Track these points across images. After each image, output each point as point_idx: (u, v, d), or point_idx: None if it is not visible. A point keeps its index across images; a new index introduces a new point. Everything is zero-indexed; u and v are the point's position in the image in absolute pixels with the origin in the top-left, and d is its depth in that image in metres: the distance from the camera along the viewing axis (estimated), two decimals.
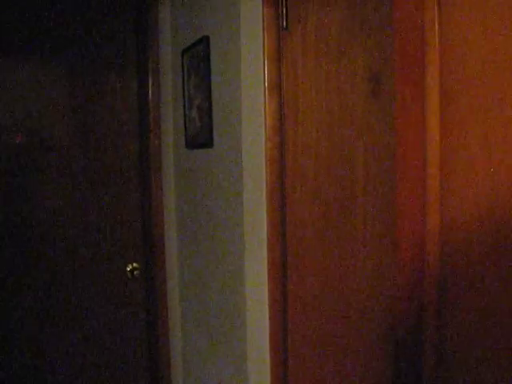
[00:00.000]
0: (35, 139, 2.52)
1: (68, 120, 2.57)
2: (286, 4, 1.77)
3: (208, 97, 2.12)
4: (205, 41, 2.12)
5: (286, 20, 1.78)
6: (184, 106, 2.41)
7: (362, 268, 1.50)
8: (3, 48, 2.48)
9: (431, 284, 0.84)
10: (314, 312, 1.71)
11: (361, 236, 1.50)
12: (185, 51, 2.37)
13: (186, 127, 2.41)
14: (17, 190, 2.49)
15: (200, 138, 2.24)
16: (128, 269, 2.65)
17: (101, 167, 2.61)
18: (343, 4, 1.55)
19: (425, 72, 0.68)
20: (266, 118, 1.84)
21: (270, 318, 1.86)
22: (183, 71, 2.40)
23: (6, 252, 2.49)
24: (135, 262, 2.67)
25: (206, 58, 2.12)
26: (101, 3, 2.61)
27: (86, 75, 2.59)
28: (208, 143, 2.14)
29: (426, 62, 0.66)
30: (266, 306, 1.87)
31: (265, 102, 1.83)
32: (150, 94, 2.62)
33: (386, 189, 1.37)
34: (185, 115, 2.41)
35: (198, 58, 2.20)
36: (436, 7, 0.66)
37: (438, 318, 0.84)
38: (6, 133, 2.48)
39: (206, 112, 2.14)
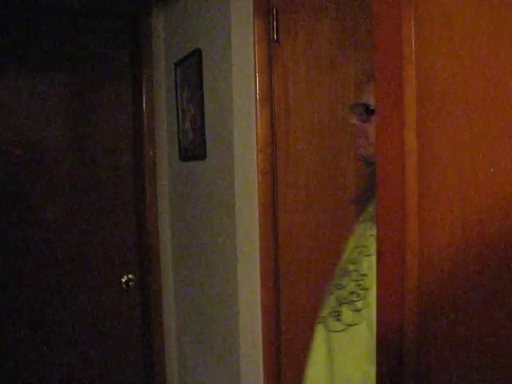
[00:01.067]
0: (31, 150, 2.54)
1: (63, 131, 2.58)
2: (277, 17, 1.79)
3: (201, 109, 2.13)
4: (197, 53, 2.14)
5: (277, 32, 1.79)
6: (177, 118, 2.42)
7: None
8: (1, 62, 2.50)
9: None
10: (306, 319, 1.72)
11: None
12: (178, 64, 2.39)
13: (179, 139, 2.42)
14: (13, 201, 2.50)
15: (193, 150, 2.26)
16: (123, 280, 2.65)
17: (96, 178, 2.62)
18: (333, 16, 1.57)
19: (402, 87, 0.69)
20: (257, 130, 1.85)
21: (263, 326, 1.86)
22: (176, 83, 2.42)
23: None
24: (130, 273, 2.67)
25: (198, 71, 2.13)
26: (95, 17, 2.63)
27: (80, 87, 2.61)
28: (201, 155, 2.15)
29: (403, 77, 0.68)
30: (259, 314, 1.87)
31: (256, 114, 1.84)
32: (144, 106, 2.64)
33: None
34: (178, 127, 2.43)
35: (191, 70, 2.22)
36: (413, 21, 0.68)
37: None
38: (3, 144, 2.49)
39: (199, 124, 2.15)
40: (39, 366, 2.59)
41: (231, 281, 1.93)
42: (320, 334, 1.53)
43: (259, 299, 1.85)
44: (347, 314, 1.50)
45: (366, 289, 1.50)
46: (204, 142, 2.13)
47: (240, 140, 1.88)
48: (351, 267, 1.53)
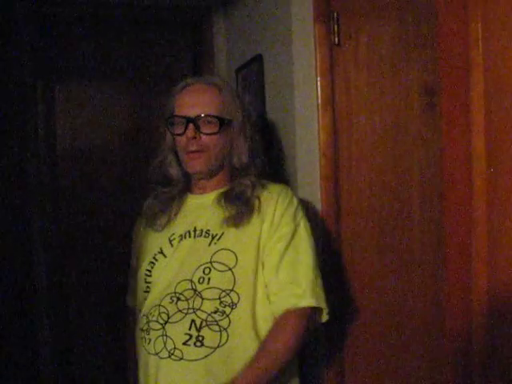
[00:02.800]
0: (96, 157, 2.62)
1: (127, 138, 2.65)
2: (338, 20, 1.77)
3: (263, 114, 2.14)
4: (258, 59, 2.15)
5: (338, 36, 1.78)
6: None
7: (418, 293, 1.47)
8: (72, 70, 2.60)
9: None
10: (370, 330, 1.69)
11: (417, 255, 1.46)
12: (239, 69, 2.40)
13: None
14: (74, 201, 2.59)
15: None
16: None
17: None
18: (395, 18, 1.53)
19: (470, 89, 0.67)
20: (319, 134, 1.83)
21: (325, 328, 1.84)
22: (237, 89, 2.43)
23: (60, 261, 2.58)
24: None
25: (260, 76, 2.14)
26: (158, 25, 2.69)
27: (143, 94, 2.67)
28: None
29: (470, 80, 0.65)
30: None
31: (318, 118, 1.83)
32: None
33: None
34: None
35: (252, 76, 2.23)
36: (480, 25, 0.66)
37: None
38: (71, 150, 2.59)
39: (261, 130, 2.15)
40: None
41: None
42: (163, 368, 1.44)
43: None
44: (211, 336, 1.42)
45: (231, 305, 1.45)
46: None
47: (302, 145, 1.87)
48: (200, 287, 1.47)
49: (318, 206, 1.84)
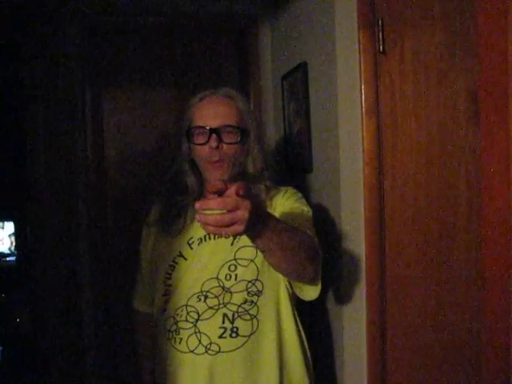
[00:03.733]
0: (145, 161, 2.66)
1: (172, 143, 2.67)
2: (383, 27, 1.74)
3: (307, 122, 2.13)
4: (303, 66, 2.14)
5: (383, 43, 1.75)
6: (284, 131, 2.44)
7: (459, 306, 1.43)
8: (120, 78, 2.65)
9: None
10: (412, 341, 1.65)
11: (461, 267, 1.43)
12: (284, 77, 2.40)
13: (286, 152, 2.43)
14: (121, 209, 2.63)
15: (300, 162, 2.25)
16: None
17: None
18: (442, 25, 1.50)
19: (508, 100, 0.64)
20: (363, 143, 1.81)
21: (367, 342, 1.81)
22: (283, 97, 2.43)
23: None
24: None
25: (305, 84, 2.13)
26: (204, 33, 2.72)
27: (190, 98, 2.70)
28: (308, 168, 2.15)
29: (509, 90, 0.63)
30: (364, 331, 1.82)
31: (362, 127, 1.81)
32: None
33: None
34: (285, 140, 2.44)
35: (297, 83, 2.23)
36: None
37: None
38: (121, 157, 2.64)
39: (306, 138, 2.15)
40: None
41: (336, 296, 1.90)
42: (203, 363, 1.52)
43: (364, 316, 1.81)
44: (244, 325, 1.53)
45: (257, 293, 1.55)
46: (310, 155, 2.13)
47: (346, 153, 1.85)
48: (228, 283, 1.56)
49: (361, 214, 1.82)
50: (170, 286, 1.64)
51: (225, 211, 1.04)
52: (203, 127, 1.59)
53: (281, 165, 2.55)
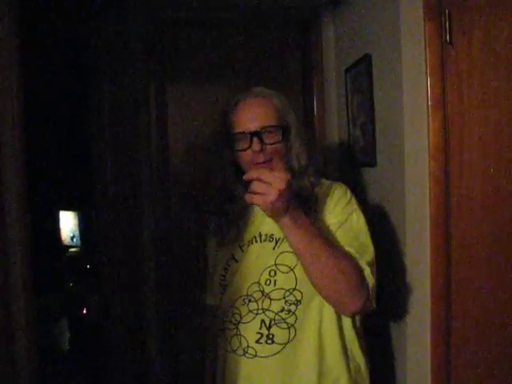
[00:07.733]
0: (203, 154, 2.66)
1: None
2: (450, 17, 1.69)
3: (371, 116, 2.09)
4: (367, 59, 2.10)
5: (450, 33, 1.69)
6: (348, 124, 2.41)
7: None
8: (184, 72, 2.68)
9: None
10: (477, 343, 1.60)
11: None
12: (348, 70, 2.37)
13: (349, 146, 2.40)
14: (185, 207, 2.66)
15: (363, 157, 2.22)
16: None
17: None
18: None
19: None
20: (429, 136, 1.76)
21: (431, 342, 1.77)
22: (346, 90, 2.40)
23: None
24: None
25: (369, 77, 2.09)
26: (267, 26, 2.71)
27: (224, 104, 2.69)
28: (371, 162, 2.11)
29: None
30: (428, 329, 1.78)
31: (428, 120, 1.76)
32: (315, 113, 2.66)
33: None
34: (349, 134, 2.41)
35: (361, 76, 2.19)
36: None
37: None
38: (181, 150, 2.67)
39: (370, 131, 2.11)
40: None
41: (399, 295, 1.87)
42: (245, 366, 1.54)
43: (428, 315, 1.77)
44: (280, 333, 1.51)
45: (296, 303, 1.52)
46: (374, 149, 2.09)
47: (411, 147, 1.81)
48: (267, 289, 1.55)
49: (427, 210, 1.78)
50: (224, 286, 1.67)
51: None
52: (243, 132, 1.57)
53: (344, 158, 2.53)
